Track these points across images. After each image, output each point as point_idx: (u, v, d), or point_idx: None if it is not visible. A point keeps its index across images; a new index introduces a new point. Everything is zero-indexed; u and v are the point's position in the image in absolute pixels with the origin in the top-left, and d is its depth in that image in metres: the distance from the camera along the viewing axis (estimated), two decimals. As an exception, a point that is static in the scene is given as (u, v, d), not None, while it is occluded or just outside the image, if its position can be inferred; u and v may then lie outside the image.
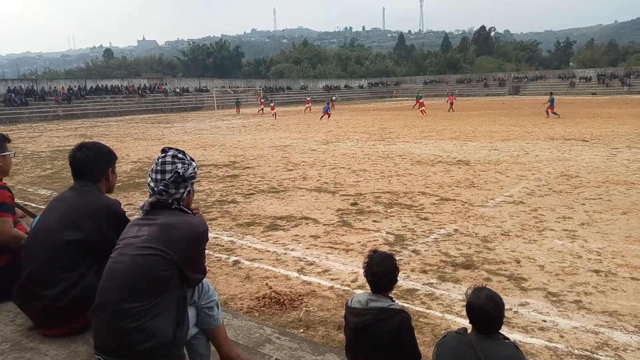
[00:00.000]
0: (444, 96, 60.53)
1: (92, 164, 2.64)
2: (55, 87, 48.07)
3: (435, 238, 6.31)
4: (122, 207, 2.71)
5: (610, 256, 5.49)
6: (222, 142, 19.47)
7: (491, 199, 8.43)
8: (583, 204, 7.83)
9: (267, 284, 4.93)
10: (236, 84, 67.27)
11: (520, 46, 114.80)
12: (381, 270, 2.43)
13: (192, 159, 2.35)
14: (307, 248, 6.09)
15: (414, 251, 5.84)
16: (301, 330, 3.94)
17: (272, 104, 37.23)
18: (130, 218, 2.48)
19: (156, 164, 2.26)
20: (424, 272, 5.18)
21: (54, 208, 2.66)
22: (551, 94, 29.57)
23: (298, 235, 6.60)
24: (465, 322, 2.45)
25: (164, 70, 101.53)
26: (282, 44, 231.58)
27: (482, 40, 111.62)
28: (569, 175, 10.27)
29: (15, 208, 3.26)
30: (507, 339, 2.14)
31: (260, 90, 62.39)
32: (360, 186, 9.78)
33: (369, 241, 6.23)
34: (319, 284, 4.95)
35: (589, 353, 3.56)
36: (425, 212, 7.59)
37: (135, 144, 19.81)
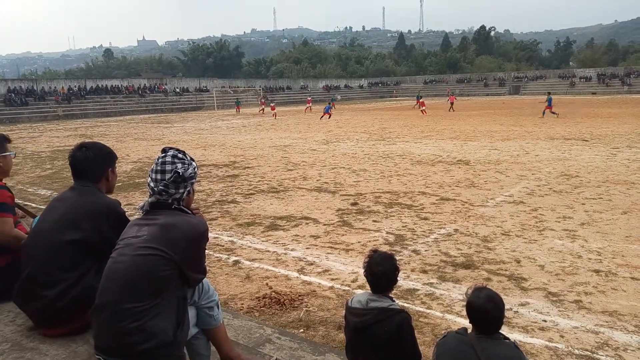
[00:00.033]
0: (444, 96, 60.56)
1: (92, 164, 2.64)
2: (55, 87, 48.09)
3: (435, 238, 6.31)
4: (122, 207, 2.71)
5: (611, 256, 5.49)
6: (222, 142, 19.47)
7: (491, 198, 8.42)
8: (583, 204, 7.83)
9: (267, 284, 4.93)
10: (236, 84, 67.28)
11: (520, 46, 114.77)
12: (381, 270, 2.43)
13: (192, 159, 2.35)
14: (307, 248, 6.09)
15: (414, 251, 5.84)
16: (301, 330, 3.93)
17: (272, 104, 37.21)
18: (131, 218, 2.48)
19: (156, 164, 2.26)
20: (424, 272, 5.17)
21: (54, 208, 2.66)
22: (549, 93, 29.58)
23: (298, 235, 6.60)
24: (465, 322, 2.45)
25: (164, 70, 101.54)
26: (282, 43, 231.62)
27: (482, 40, 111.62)
28: (569, 175, 10.27)
29: (15, 208, 3.26)
30: (507, 338, 2.14)
31: (260, 90, 62.39)
32: (360, 186, 9.78)
33: (369, 241, 6.23)
34: (319, 284, 4.95)
35: (589, 353, 3.56)
36: (426, 212, 7.59)
37: (135, 144, 19.81)
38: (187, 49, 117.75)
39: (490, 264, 5.32)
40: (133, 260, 2.10)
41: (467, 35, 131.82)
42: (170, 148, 2.33)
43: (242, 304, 4.51)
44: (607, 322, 4.01)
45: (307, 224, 7.16)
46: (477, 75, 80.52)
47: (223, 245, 6.26)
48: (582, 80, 68.28)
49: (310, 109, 41.09)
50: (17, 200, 3.51)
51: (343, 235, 6.56)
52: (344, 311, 2.60)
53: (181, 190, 2.26)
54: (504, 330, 2.20)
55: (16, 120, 38.99)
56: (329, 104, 34.10)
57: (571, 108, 34.41)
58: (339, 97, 67.75)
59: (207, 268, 2.45)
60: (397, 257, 2.68)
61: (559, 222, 6.87)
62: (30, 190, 10.55)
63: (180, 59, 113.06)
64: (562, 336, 3.81)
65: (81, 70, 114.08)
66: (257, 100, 55.02)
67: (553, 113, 26.88)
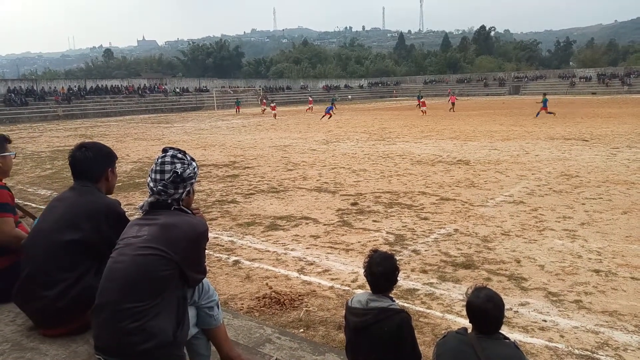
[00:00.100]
0: (444, 96, 60.57)
1: (92, 164, 2.64)
2: (55, 87, 48.09)
3: (435, 238, 6.31)
4: (122, 207, 2.71)
5: (611, 256, 5.49)
6: (222, 142, 19.47)
7: (491, 198, 8.42)
8: (583, 204, 7.83)
9: (267, 284, 4.93)
10: (236, 84, 67.27)
11: (520, 46, 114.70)
12: (380, 271, 2.43)
13: (192, 159, 2.34)
14: (307, 248, 6.09)
15: (414, 251, 5.84)
16: (301, 330, 3.94)
17: (272, 104, 37.20)
18: (131, 218, 2.48)
19: (156, 164, 2.26)
20: (424, 272, 5.18)
21: (53, 208, 2.66)
22: (544, 94, 29.67)
23: (298, 235, 6.60)
24: (465, 322, 2.45)
25: (164, 70, 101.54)
26: (282, 43, 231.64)
27: (482, 40, 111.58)
28: (569, 175, 10.27)
29: (16, 208, 3.26)
30: (507, 338, 2.14)
31: (260, 90, 62.40)
32: (360, 186, 9.78)
33: (369, 241, 6.23)
34: (319, 283, 4.95)
35: (589, 353, 3.56)
36: (426, 212, 7.59)
37: (135, 144, 19.81)
38: (187, 49, 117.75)
39: (490, 264, 5.32)
40: (133, 260, 2.10)
41: (467, 35, 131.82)
42: (171, 148, 2.32)
43: (242, 304, 4.51)
44: (607, 322, 4.01)
45: (307, 224, 7.16)
46: (477, 75, 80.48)
47: (223, 245, 6.26)
48: (582, 80, 68.26)
49: (312, 109, 41.10)
50: (17, 200, 3.51)
51: (343, 235, 6.56)
52: (344, 311, 2.60)
53: (180, 191, 2.25)
54: (504, 330, 2.20)
55: (16, 120, 38.99)
56: (331, 104, 34.10)
57: (571, 108, 34.41)
58: (350, 97, 67.96)
59: (207, 268, 2.45)
60: (397, 257, 2.68)
61: (559, 222, 6.87)
62: (30, 190, 10.55)
63: (180, 59, 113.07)
64: (562, 336, 3.81)
65: (81, 71, 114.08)
66: (257, 100, 55.03)
67: (549, 113, 26.93)
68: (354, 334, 2.47)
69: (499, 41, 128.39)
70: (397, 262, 2.53)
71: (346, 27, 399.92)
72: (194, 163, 2.34)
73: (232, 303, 4.52)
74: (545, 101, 27.62)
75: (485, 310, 2.07)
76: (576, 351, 3.59)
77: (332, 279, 5.06)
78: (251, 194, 9.38)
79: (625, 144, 15.05)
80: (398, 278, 2.53)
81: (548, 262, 5.33)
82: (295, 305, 4.41)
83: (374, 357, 2.39)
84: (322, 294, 4.68)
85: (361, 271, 2.67)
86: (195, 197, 2.54)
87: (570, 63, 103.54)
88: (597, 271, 5.06)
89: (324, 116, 30.61)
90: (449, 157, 13.28)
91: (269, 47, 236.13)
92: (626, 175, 10.07)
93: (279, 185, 10.08)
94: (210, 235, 2.45)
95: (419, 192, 9.07)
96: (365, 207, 7.98)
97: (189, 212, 2.32)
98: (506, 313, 2.32)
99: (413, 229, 6.73)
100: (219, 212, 8.00)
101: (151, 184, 2.24)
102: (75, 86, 49.77)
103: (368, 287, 2.52)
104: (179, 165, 2.24)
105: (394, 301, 2.50)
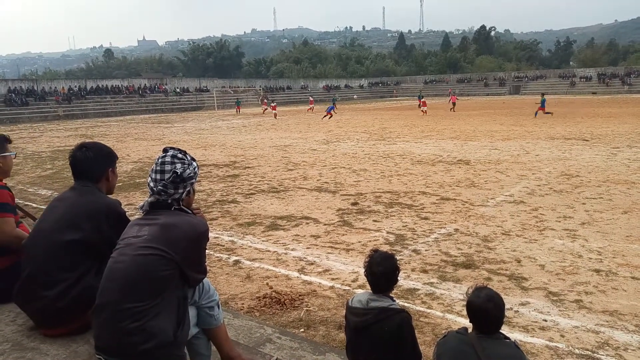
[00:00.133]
0: (444, 96, 60.57)
1: (92, 164, 2.64)
2: (55, 87, 48.11)
3: (435, 238, 6.31)
4: (122, 207, 2.71)
5: (611, 255, 5.48)
6: (222, 142, 19.47)
7: (492, 198, 8.42)
8: (584, 204, 7.83)
9: (267, 284, 4.93)
10: (236, 83, 67.28)
11: (520, 46, 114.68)
12: (381, 271, 2.43)
13: (192, 159, 2.34)
14: (307, 248, 6.09)
15: (414, 251, 5.84)
16: (302, 330, 3.94)
17: (273, 104, 37.20)
18: (131, 218, 2.48)
19: (156, 164, 2.26)
20: (425, 271, 5.17)
21: (54, 208, 2.66)
22: (543, 94, 29.73)
23: (298, 235, 6.60)
24: (465, 322, 2.45)
25: (164, 70, 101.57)
26: (282, 43, 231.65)
27: (483, 39, 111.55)
28: (569, 175, 10.27)
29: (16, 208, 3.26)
30: (508, 338, 2.14)
31: (260, 90, 62.41)
32: (360, 186, 9.78)
33: (370, 241, 6.23)
34: (320, 283, 4.95)
35: (589, 352, 3.56)
36: (426, 212, 7.59)
37: (136, 144, 19.82)
38: (187, 49, 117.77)
39: (491, 264, 5.32)
40: (133, 260, 2.10)
41: (467, 35, 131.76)
42: (171, 148, 2.32)
43: (243, 303, 4.51)
44: (607, 321, 4.01)
45: (307, 223, 7.16)
46: (477, 75, 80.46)
47: (223, 245, 6.26)
48: (582, 80, 68.23)
49: (313, 109, 41.11)
50: (17, 201, 3.51)
51: (343, 235, 6.56)
52: (344, 311, 2.60)
53: (180, 191, 2.25)
54: (505, 330, 2.20)
55: (17, 120, 39.00)
56: (332, 104, 34.22)
57: (571, 108, 34.40)
58: (355, 97, 68.10)
59: (208, 268, 2.45)
60: (398, 257, 2.68)
61: (559, 221, 6.87)
62: (30, 190, 10.55)
63: (181, 59, 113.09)
64: (562, 336, 3.81)
65: (81, 71, 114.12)
66: (257, 100, 55.04)
67: (547, 113, 26.97)
68: (354, 334, 2.47)
69: (499, 41, 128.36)
70: (398, 262, 2.53)
71: (346, 27, 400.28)
72: (194, 163, 2.33)
73: (233, 303, 4.52)
74: (543, 101, 27.70)
75: (486, 310, 2.07)
76: (576, 351, 3.59)
77: (333, 279, 5.06)
78: (251, 193, 9.38)
79: (625, 143, 15.04)
80: (398, 278, 2.53)
81: (548, 262, 5.33)
82: (296, 305, 4.41)
83: (374, 357, 2.39)
84: (322, 294, 4.68)
85: (361, 271, 2.67)
86: (195, 197, 2.54)
87: (571, 63, 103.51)
88: (597, 271, 5.05)
89: (325, 116, 30.73)
90: (449, 157, 13.28)
91: (269, 47, 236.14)
92: (626, 175, 10.07)
93: (279, 185, 10.08)
94: (210, 235, 2.44)
95: (420, 192, 9.07)
96: (365, 207, 7.98)
97: (190, 212, 2.32)
98: (506, 313, 2.32)
99: (413, 228, 6.73)
100: (220, 212, 8.00)
101: (151, 184, 2.24)
102: (75, 86, 49.79)
103: (368, 286, 2.52)
104: (179, 166, 2.24)
105: (395, 301, 2.50)
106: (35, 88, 46.51)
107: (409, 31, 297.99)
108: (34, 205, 8.68)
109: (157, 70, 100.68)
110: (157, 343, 2.03)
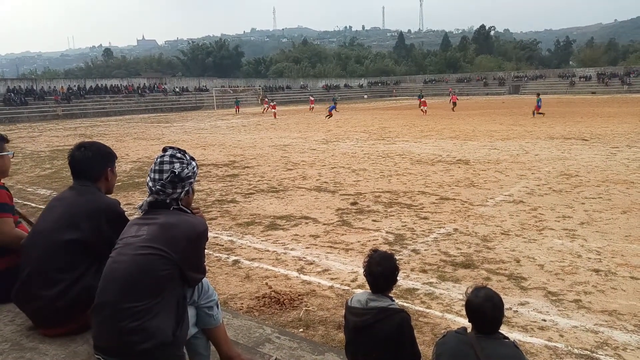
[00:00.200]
0: (444, 95, 60.56)
1: (91, 163, 2.63)
2: (54, 86, 48.05)
3: (435, 237, 6.31)
4: (121, 206, 2.70)
5: (610, 255, 5.49)
6: (221, 141, 19.46)
7: (491, 198, 8.43)
8: (583, 203, 7.83)
9: (266, 284, 4.93)
10: (236, 83, 67.23)
11: (520, 45, 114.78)
12: (380, 270, 2.43)
13: (192, 158, 2.34)
14: (306, 247, 6.09)
15: (413, 250, 5.84)
16: (301, 329, 3.94)
17: (272, 103, 37.19)
18: (130, 218, 2.48)
19: (155, 163, 2.26)
20: (424, 271, 5.18)
21: (53, 208, 2.65)
22: (538, 94, 29.83)
23: (298, 235, 6.60)
24: (465, 322, 2.45)
25: (164, 70, 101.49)
26: (281, 43, 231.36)
27: (482, 39, 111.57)
28: (568, 175, 10.28)
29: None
30: (507, 338, 2.14)
31: (260, 89, 62.38)
32: (360, 185, 9.78)
33: (369, 240, 6.23)
34: (319, 283, 4.95)
35: (588, 352, 3.57)
36: (425, 212, 7.59)
37: (135, 143, 19.80)
38: (187, 48, 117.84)
39: (490, 264, 5.32)
40: (133, 260, 2.10)
41: (467, 35, 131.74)
42: (171, 147, 2.32)
43: (242, 303, 4.51)
44: (606, 321, 4.01)
45: (306, 223, 7.16)
46: (477, 75, 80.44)
47: (223, 245, 6.26)
48: (582, 79, 68.27)
49: (313, 109, 41.11)
50: (15, 200, 3.50)
51: (343, 234, 6.56)
52: (343, 311, 2.60)
53: (179, 190, 2.25)
54: (504, 330, 2.20)
55: (16, 119, 38.97)
56: (334, 103, 34.33)
57: (571, 107, 34.41)
58: (365, 97, 68.12)
59: (207, 268, 2.45)
60: (397, 257, 2.67)
61: (558, 221, 6.87)
62: (29, 189, 10.54)
63: (180, 59, 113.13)
64: (561, 335, 3.81)
65: (81, 70, 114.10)
66: (256, 100, 55.01)
67: (539, 113, 27.05)
68: (353, 334, 2.47)
69: (498, 40, 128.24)
70: (397, 262, 2.53)
71: (346, 27, 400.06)
72: (193, 162, 2.33)
73: (232, 303, 4.52)
74: (538, 101, 27.81)
75: (484, 310, 2.07)
76: (576, 351, 3.59)
77: (332, 279, 5.06)
78: (251, 193, 9.38)
79: (624, 143, 15.05)
80: (398, 278, 2.53)
81: (547, 262, 5.33)
82: (295, 305, 4.41)
83: (373, 357, 2.39)
84: (321, 294, 4.68)
85: (361, 271, 2.67)
86: (195, 197, 2.54)
87: (570, 62, 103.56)
88: (596, 271, 5.06)
89: (328, 115, 30.94)
90: (448, 157, 13.28)
91: (268, 47, 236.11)
92: (626, 175, 10.08)
93: (278, 185, 10.08)
94: (209, 234, 2.44)
95: (419, 191, 9.07)
96: (364, 207, 7.98)
97: (189, 211, 2.31)
98: (505, 312, 2.32)
99: (413, 228, 6.73)
100: (219, 211, 8.00)
101: (150, 184, 2.24)
102: (74, 86, 49.74)
103: (368, 286, 2.52)
104: (177, 165, 2.24)
105: (394, 301, 2.50)
106: (35, 87, 46.46)
107: (409, 31, 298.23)
108: (33, 204, 8.67)
109: (157, 69, 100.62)
110: (156, 343, 2.03)
